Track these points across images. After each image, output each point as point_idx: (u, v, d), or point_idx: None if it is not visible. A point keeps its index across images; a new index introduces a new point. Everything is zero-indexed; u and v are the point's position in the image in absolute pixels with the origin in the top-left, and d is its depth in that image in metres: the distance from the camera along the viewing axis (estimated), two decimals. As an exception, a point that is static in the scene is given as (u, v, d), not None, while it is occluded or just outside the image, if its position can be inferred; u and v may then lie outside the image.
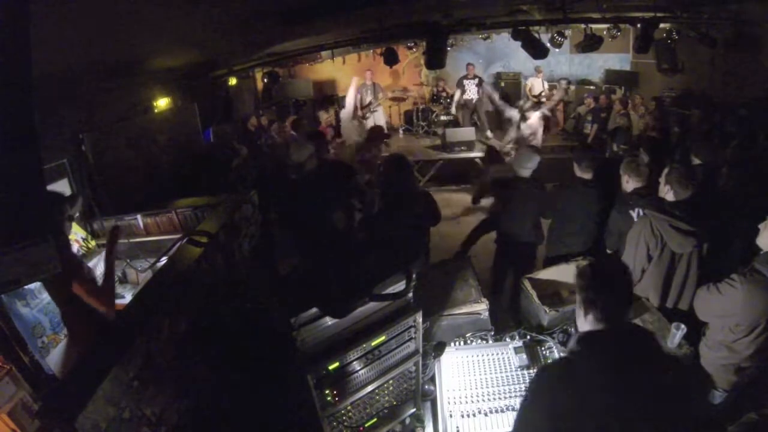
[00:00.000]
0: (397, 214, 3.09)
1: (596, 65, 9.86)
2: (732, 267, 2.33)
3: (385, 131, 6.33)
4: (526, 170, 3.52)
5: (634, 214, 3.01)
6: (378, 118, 8.83)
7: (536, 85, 9.18)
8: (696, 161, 3.64)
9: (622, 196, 3.15)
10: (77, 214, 2.93)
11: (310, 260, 2.45)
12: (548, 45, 6.06)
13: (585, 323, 1.44)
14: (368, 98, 8.62)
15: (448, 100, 9.57)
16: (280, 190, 3.92)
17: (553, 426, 1.29)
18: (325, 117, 9.07)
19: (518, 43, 5.63)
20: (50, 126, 3.32)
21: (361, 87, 8.71)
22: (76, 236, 3.39)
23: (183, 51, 4.41)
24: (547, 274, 2.87)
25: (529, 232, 3.60)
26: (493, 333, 2.31)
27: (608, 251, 3.20)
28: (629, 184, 3.09)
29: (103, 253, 3.32)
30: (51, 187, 3.18)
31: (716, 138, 4.70)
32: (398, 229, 3.03)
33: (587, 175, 3.33)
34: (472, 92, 9.35)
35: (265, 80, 7.30)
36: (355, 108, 8.63)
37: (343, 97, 9.16)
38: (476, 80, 9.27)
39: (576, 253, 3.20)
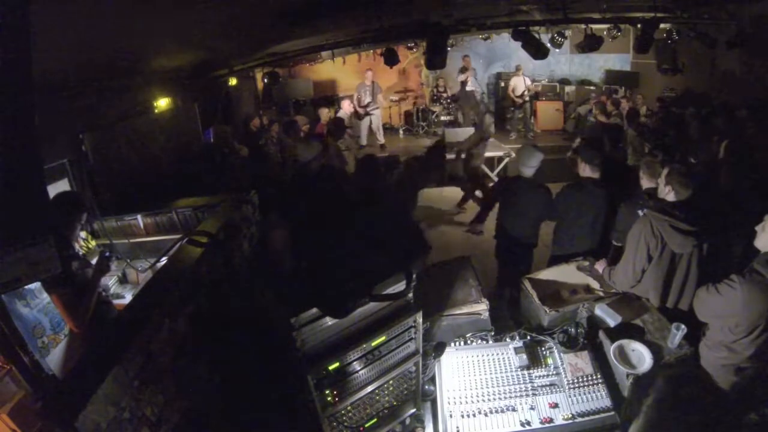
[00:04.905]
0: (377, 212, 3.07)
1: (596, 65, 9.87)
2: (732, 267, 2.33)
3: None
4: (530, 169, 3.43)
5: (641, 212, 3.01)
6: (375, 120, 8.82)
7: (519, 85, 9.06)
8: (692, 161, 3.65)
9: (634, 194, 3.16)
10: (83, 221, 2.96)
11: (311, 260, 2.44)
12: (548, 45, 6.05)
13: None
14: (366, 99, 8.59)
15: (448, 100, 9.56)
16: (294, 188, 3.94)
17: None
18: (326, 114, 9.09)
19: (518, 43, 5.62)
20: (50, 126, 3.32)
21: (360, 87, 8.68)
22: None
23: (183, 51, 4.41)
24: (547, 274, 2.87)
25: (527, 235, 3.56)
26: (493, 333, 2.31)
27: (616, 244, 3.18)
28: (644, 182, 3.12)
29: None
30: (51, 187, 3.18)
31: (711, 138, 4.68)
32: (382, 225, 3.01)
33: (595, 175, 3.30)
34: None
35: (266, 80, 7.29)
36: (354, 108, 8.61)
37: (343, 98, 9.15)
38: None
39: (581, 252, 3.18)
